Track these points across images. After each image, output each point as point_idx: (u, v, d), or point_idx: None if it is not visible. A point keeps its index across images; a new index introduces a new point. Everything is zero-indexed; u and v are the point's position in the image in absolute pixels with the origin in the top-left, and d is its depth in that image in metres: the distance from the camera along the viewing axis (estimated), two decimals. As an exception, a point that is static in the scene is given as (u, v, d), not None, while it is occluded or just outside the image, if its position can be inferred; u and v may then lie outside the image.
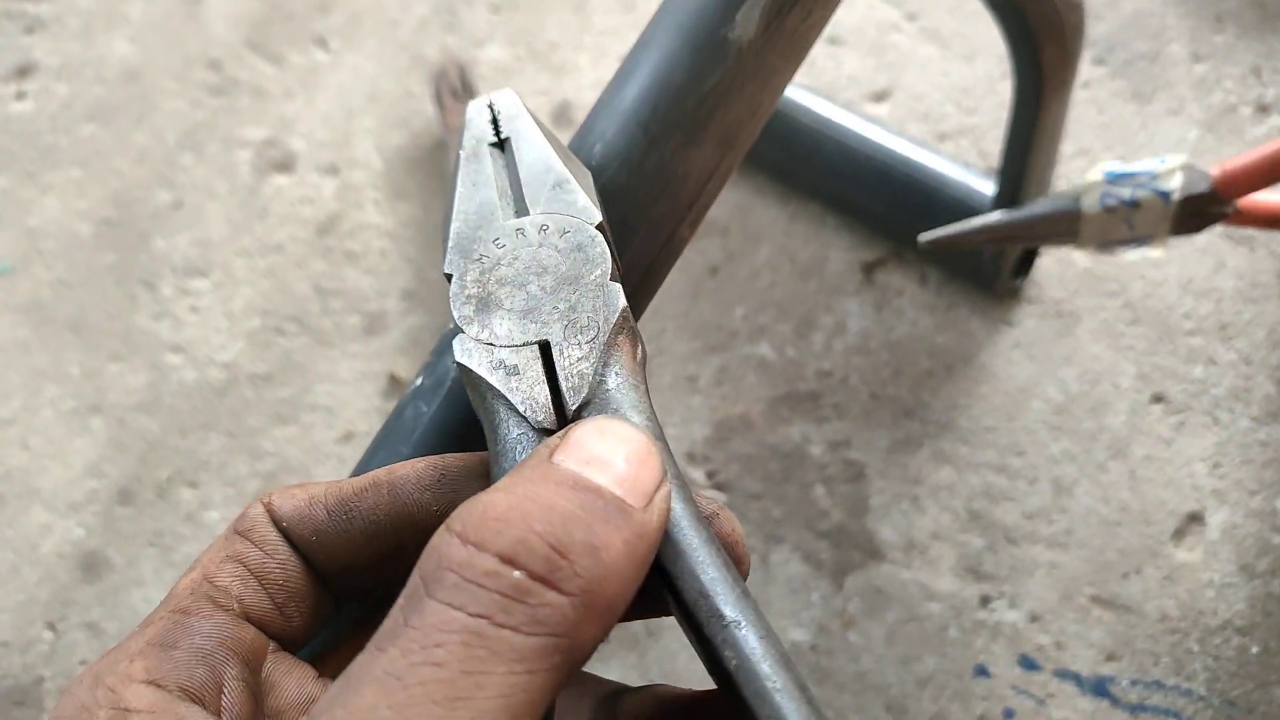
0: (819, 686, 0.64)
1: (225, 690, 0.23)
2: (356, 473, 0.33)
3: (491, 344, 0.28)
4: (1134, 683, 0.63)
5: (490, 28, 0.84)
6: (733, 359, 0.72)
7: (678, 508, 0.25)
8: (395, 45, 0.84)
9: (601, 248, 0.30)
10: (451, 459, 0.27)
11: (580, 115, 0.80)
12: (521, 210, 0.31)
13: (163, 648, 0.24)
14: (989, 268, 0.68)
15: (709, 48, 0.41)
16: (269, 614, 0.25)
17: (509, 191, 0.32)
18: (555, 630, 0.19)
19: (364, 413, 0.72)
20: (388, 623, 0.20)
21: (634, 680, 0.64)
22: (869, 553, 0.67)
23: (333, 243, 0.78)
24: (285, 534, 0.26)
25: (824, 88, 0.78)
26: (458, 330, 0.29)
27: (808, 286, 0.73)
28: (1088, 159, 0.74)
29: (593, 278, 0.29)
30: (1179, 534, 0.66)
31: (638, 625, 0.66)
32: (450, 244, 0.30)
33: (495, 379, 0.27)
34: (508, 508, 0.20)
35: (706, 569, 0.24)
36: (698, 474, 0.69)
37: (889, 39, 0.80)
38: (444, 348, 0.45)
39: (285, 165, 0.81)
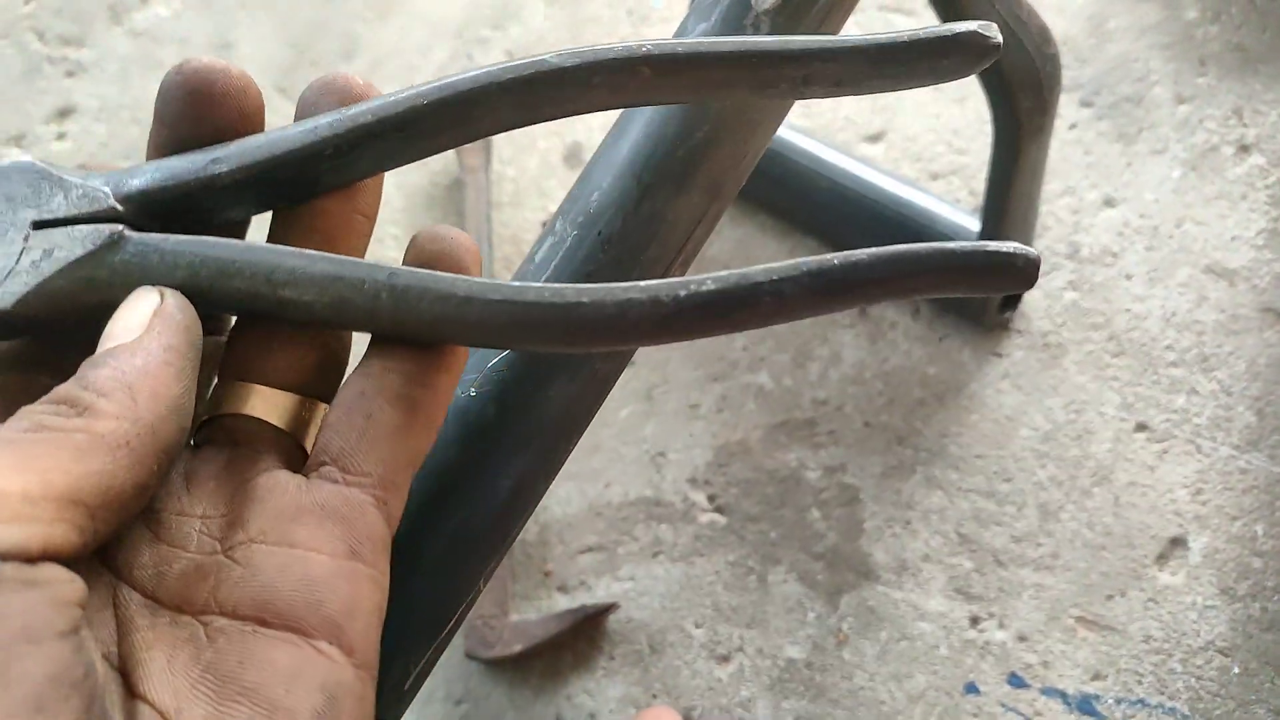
0: (814, 702, 0.67)
1: None
2: None
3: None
4: (1119, 701, 0.66)
5: (505, 72, 0.88)
6: (733, 387, 0.75)
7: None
8: (415, 89, 0.89)
9: None
10: None
11: (590, 156, 0.84)
12: None
13: None
14: (978, 301, 0.71)
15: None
16: None
17: None
18: (87, 430, 0.24)
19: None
20: None
21: (641, 700, 0.67)
22: (863, 574, 0.70)
23: (354, 276, 0.82)
24: None
25: (821, 130, 0.82)
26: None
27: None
28: (1074, 197, 0.78)
29: None
30: (1162, 558, 0.68)
31: (642, 641, 0.69)
32: None
33: None
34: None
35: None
36: (699, 497, 0.72)
37: (884, 82, 0.83)
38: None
39: (310, 203, 0.85)
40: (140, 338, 0.26)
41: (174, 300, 0.27)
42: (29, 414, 0.24)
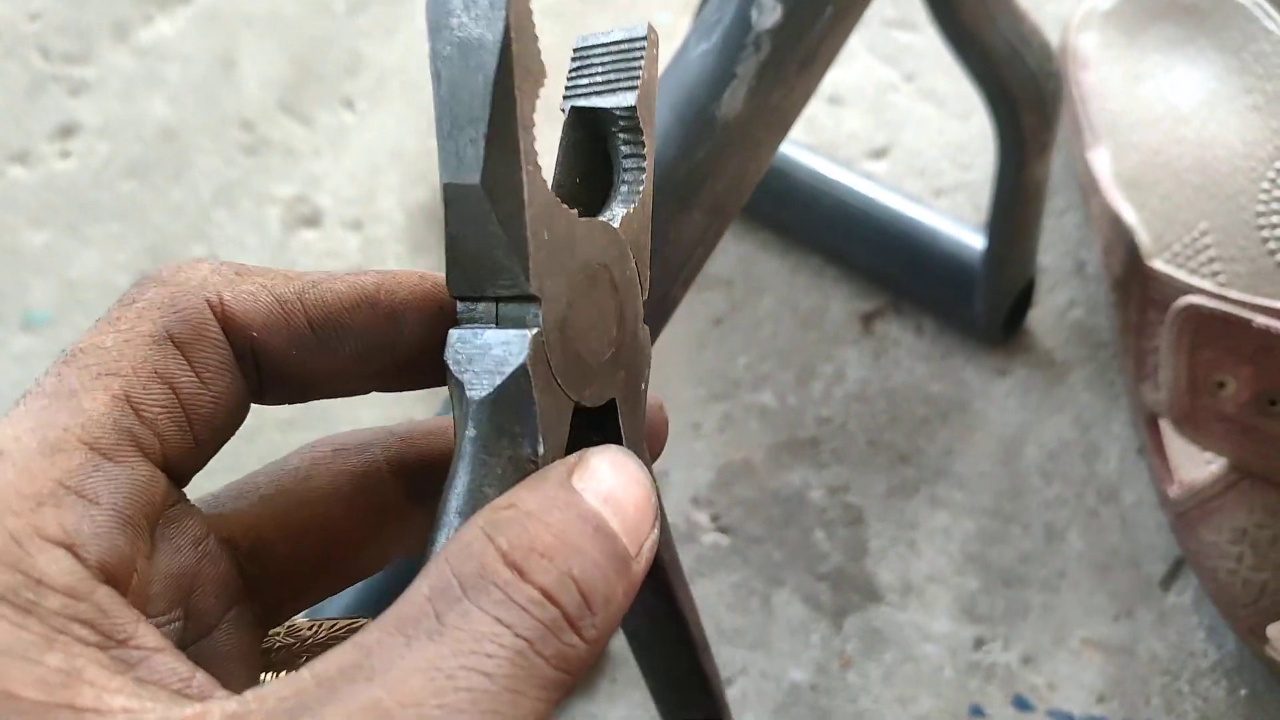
0: (818, 724, 0.66)
1: (137, 571, 0.20)
2: None
3: (574, 399, 0.25)
4: (1126, 723, 0.65)
5: (508, 89, 0.88)
6: (735, 406, 0.75)
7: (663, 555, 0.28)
8: (418, 106, 0.89)
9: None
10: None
11: (592, 172, 0.83)
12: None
13: (82, 498, 0.20)
14: (982, 319, 0.71)
15: (698, 124, 0.45)
16: (187, 455, 0.22)
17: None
18: (572, 669, 0.20)
19: (383, 457, 0.75)
20: (409, 608, 0.19)
21: (640, 718, 0.66)
22: (867, 595, 0.69)
23: (356, 294, 0.82)
24: (234, 345, 0.22)
25: (825, 145, 0.81)
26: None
27: (808, 336, 0.76)
28: (1079, 213, 0.77)
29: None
30: (1169, 578, 0.68)
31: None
32: (532, 266, 0.23)
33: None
34: (551, 543, 0.20)
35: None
36: (702, 517, 0.72)
37: (888, 98, 0.83)
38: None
39: (313, 220, 0.85)
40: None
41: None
42: (512, 625, 0.19)
